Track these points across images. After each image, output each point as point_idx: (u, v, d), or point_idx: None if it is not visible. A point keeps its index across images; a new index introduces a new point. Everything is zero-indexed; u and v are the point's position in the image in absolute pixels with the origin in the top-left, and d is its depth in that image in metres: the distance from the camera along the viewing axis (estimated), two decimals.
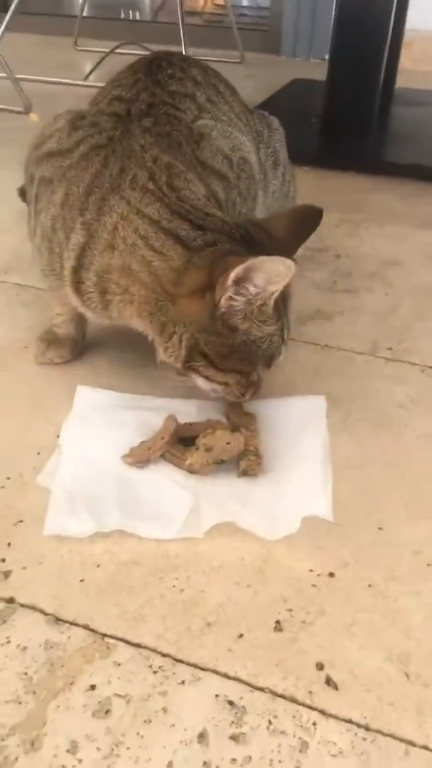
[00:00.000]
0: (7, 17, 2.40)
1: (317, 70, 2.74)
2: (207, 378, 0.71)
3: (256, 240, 0.70)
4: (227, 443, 0.69)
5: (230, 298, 0.65)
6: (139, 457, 0.70)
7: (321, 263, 1.16)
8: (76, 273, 0.74)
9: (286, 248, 0.68)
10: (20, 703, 0.50)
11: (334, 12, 1.69)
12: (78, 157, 0.77)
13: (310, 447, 0.71)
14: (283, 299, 0.70)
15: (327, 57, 2.82)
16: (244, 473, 0.69)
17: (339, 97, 1.71)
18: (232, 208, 0.80)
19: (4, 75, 2.10)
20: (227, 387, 0.71)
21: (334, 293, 1.06)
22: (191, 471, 0.69)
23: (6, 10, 3.23)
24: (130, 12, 4.36)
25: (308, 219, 0.72)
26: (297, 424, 0.75)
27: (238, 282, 0.64)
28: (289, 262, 0.62)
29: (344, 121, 1.67)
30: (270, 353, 0.70)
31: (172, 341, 0.70)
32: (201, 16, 3.85)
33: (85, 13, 3.02)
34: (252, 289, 0.64)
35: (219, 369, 0.69)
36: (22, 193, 1.29)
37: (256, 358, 0.69)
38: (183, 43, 2.18)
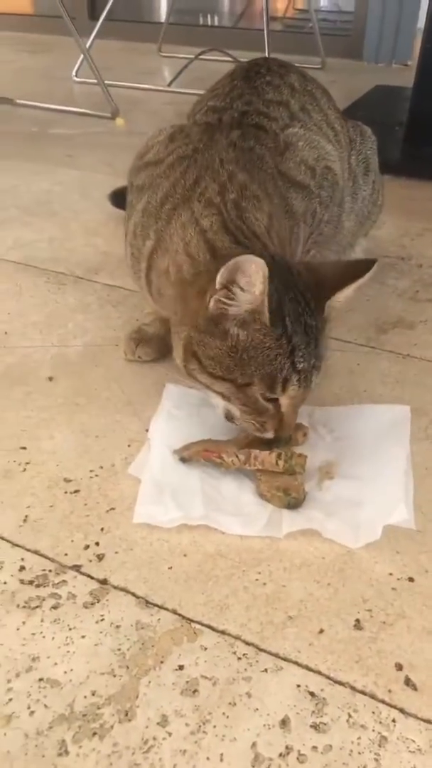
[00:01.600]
0: (98, 25, 2.50)
1: (399, 75, 2.72)
2: (205, 386, 0.69)
3: (291, 271, 0.68)
4: (300, 484, 0.69)
5: (219, 300, 0.64)
6: (189, 454, 0.73)
7: (403, 272, 1.16)
8: (147, 275, 0.78)
9: (327, 288, 0.68)
10: (114, 676, 0.54)
11: (425, 17, 1.68)
12: (165, 167, 0.81)
13: (393, 455, 0.72)
14: (298, 317, 0.65)
15: (409, 62, 2.81)
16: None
17: (425, 104, 1.69)
18: (311, 217, 0.82)
19: (94, 81, 2.18)
20: (235, 407, 0.69)
21: (417, 302, 1.07)
22: (260, 496, 0.70)
23: (94, 18, 3.36)
24: (209, 17, 4.43)
25: (358, 266, 0.70)
26: (380, 432, 0.76)
27: (227, 284, 0.63)
28: (258, 260, 0.59)
29: (429, 129, 1.65)
30: (271, 372, 0.65)
31: (175, 340, 0.72)
32: (282, 21, 3.87)
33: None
34: (238, 291, 0.63)
35: (210, 374, 0.67)
36: (113, 197, 1.36)
37: (249, 370, 0.65)
38: (267, 49, 2.21)
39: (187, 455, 0.73)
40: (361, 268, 0.68)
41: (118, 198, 1.33)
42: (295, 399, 0.68)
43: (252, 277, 0.61)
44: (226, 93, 0.85)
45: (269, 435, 0.69)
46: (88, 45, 2.33)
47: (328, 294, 0.67)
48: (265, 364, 0.65)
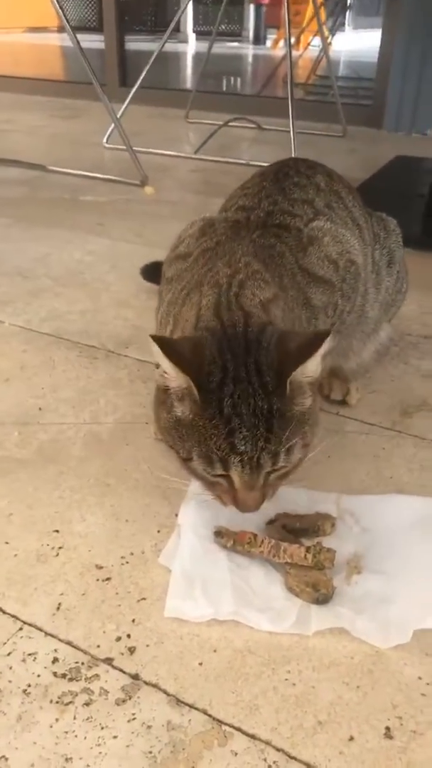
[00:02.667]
0: (131, 94, 2.62)
1: (419, 145, 2.81)
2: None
3: (253, 346, 0.68)
4: (329, 580, 0.70)
5: (161, 374, 0.68)
6: (224, 543, 0.74)
7: (426, 351, 1.18)
8: None
9: (290, 364, 0.66)
10: None
11: None
12: (192, 261, 0.85)
13: (423, 552, 0.73)
14: (246, 398, 0.65)
15: (429, 132, 2.89)
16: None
17: None
18: (332, 310, 0.85)
19: (124, 147, 2.28)
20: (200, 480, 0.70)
21: None
22: (289, 590, 0.71)
23: (125, 85, 3.53)
24: (232, 80, 4.60)
25: (313, 340, 0.66)
26: (409, 525, 0.77)
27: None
28: (159, 342, 0.63)
29: None
30: (206, 452, 0.65)
31: None
32: (303, 87, 4.02)
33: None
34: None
35: (167, 445, 0.71)
36: (144, 271, 1.41)
37: (188, 445, 0.67)
38: (291, 116, 2.30)
39: (222, 541, 0.74)
40: (315, 341, 0.65)
41: (150, 272, 1.38)
42: (249, 480, 0.67)
43: (158, 358, 0.65)
44: (255, 192, 0.90)
45: (232, 508, 0.70)
46: (120, 113, 2.44)
47: (289, 370, 0.65)
48: (201, 442, 0.66)
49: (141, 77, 2.65)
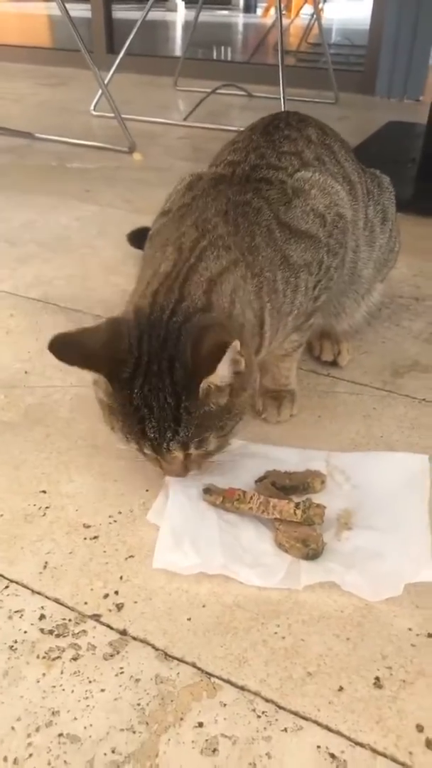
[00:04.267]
0: (117, 60, 2.56)
1: (411, 111, 2.76)
2: None
3: (171, 341, 0.66)
4: (318, 535, 0.69)
5: None
6: (213, 500, 0.74)
7: (418, 313, 1.17)
8: None
9: (202, 370, 0.65)
10: (134, 732, 0.54)
11: None
12: (169, 218, 0.83)
13: (413, 507, 0.72)
14: (156, 393, 0.65)
15: (421, 98, 2.85)
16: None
17: None
18: (317, 266, 0.82)
19: (112, 115, 2.23)
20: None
21: None
22: (279, 546, 0.70)
23: (112, 52, 3.45)
24: (223, 50, 4.52)
25: (215, 352, 0.63)
26: (398, 481, 0.76)
27: None
28: (54, 340, 0.65)
29: None
30: (122, 432, 0.69)
31: None
32: (295, 55, 3.95)
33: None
34: None
35: None
36: (131, 237, 1.38)
37: (110, 420, 0.70)
38: (281, 84, 2.25)
39: (210, 499, 0.74)
40: (217, 351, 0.62)
41: (137, 238, 1.35)
42: (165, 458, 0.69)
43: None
44: (244, 147, 0.87)
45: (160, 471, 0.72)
46: (107, 80, 2.38)
47: (198, 378, 0.64)
48: (118, 424, 0.68)
49: (127, 42, 2.59)
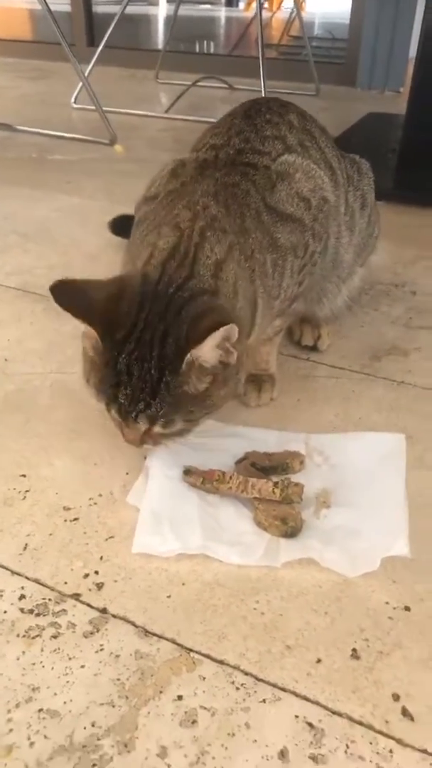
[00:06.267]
0: (97, 53, 2.54)
1: (392, 103, 2.78)
2: None
3: (170, 313, 0.67)
4: (297, 513, 0.70)
5: None
6: (193, 482, 0.74)
7: (396, 298, 1.18)
8: None
9: (190, 343, 0.66)
10: (114, 706, 0.54)
11: (417, 45, 1.72)
12: (157, 202, 0.83)
13: (390, 485, 0.73)
14: (141, 362, 0.65)
15: (401, 90, 2.87)
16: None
17: (417, 131, 1.73)
18: (303, 250, 0.83)
19: (93, 107, 2.22)
20: None
21: (410, 329, 1.08)
22: (258, 524, 0.70)
23: (93, 45, 3.43)
24: (205, 44, 4.51)
25: (208, 324, 0.65)
26: (375, 460, 0.77)
27: None
28: (55, 287, 0.66)
29: (423, 156, 1.69)
30: (96, 387, 0.69)
31: None
32: (277, 48, 3.95)
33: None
34: None
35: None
36: (112, 225, 1.38)
37: (89, 376, 0.70)
38: (262, 75, 2.25)
39: (190, 480, 0.74)
40: (212, 325, 0.63)
41: (118, 226, 1.35)
42: (128, 425, 0.69)
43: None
44: (226, 131, 0.88)
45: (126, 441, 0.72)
46: (87, 72, 2.37)
47: (186, 349, 0.64)
48: (95, 376, 0.69)
49: (107, 34, 2.58)
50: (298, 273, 0.84)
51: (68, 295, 0.67)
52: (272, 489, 0.71)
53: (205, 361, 0.66)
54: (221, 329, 0.63)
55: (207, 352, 0.65)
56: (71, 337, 1.07)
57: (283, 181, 0.83)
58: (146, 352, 0.65)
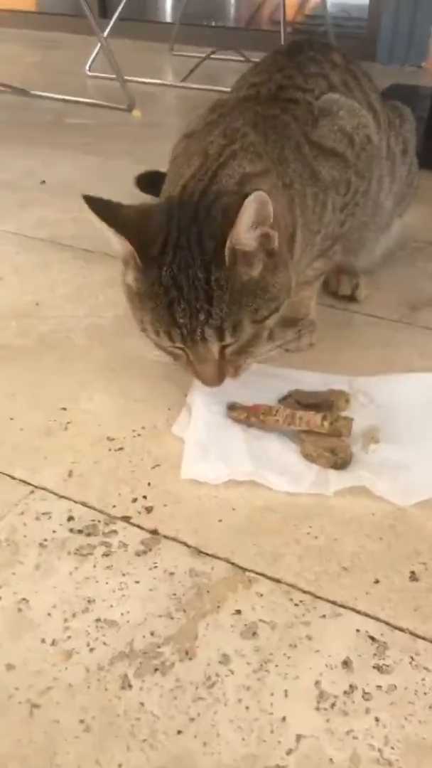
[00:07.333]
0: (112, 21, 2.52)
1: (413, 76, 2.75)
2: None
3: (201, 214, 0.65)
4: (347, 446, 0.69)
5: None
6: (238, 416, 0.73)
7: None
8: None
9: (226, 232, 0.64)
10: (172, 618, 0.54)
11: None
12: (195, 135, 0.81)
13: None
14: (186, 268, 0.63)
15: (423, 64, 2.84)
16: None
17: None
18: (345, 187, 0.82)
19: (108, 75, 2.20)
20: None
21: None
22: (305, 457, 0.70)
23: (104, 17, 3.38)
24: (217, 16, 4.44)
25: (236, 202, 0.63)
26: (424, 399, 0.76)
27: None
28: (93, 201, 0.65)
29: None
30: (152, 321, 0.65)
31: None
32: (291, 26, 3.91)
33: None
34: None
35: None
36: (140, 181, 1.36)
37: (139, 315, 0.67)
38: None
39: (235, 414, 0.73)
40: (239, 201, 0.61)
41: (145, 182, 1.33)
42: (198, 352, 0.65)
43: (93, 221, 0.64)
44: (267, 68, 0.86)
45: (198, 381, 0.69)
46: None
47: (224, 236, 0.62)
48: (148, 311, 0.65)
49: (120, 6, 2.55)
50: (341, 211, 0.83)
51: (102, 205, 0.65)
52: (321, 422, 0.71)
53: (245, 245, 0.63)
54: (251, 197, 0.60)
55: (243, 232, 0.62)
56: (101, 284, 1.06)
57: (326, 117, 0.81)
58: (187, 257, 0.63)
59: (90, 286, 1.05)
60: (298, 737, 0.46)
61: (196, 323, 0.63)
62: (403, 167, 0.97)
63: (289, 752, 0.45)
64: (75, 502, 0.65)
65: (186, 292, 0.63)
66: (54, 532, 0.62)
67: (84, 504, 0.65)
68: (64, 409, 0.78)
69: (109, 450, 0.71)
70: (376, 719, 0.47)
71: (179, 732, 0.46)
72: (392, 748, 0.45)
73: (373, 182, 0.88)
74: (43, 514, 0.63)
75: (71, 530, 0.62)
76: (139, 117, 2.09)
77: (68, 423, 0.76)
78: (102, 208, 0.65)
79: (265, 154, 0.74)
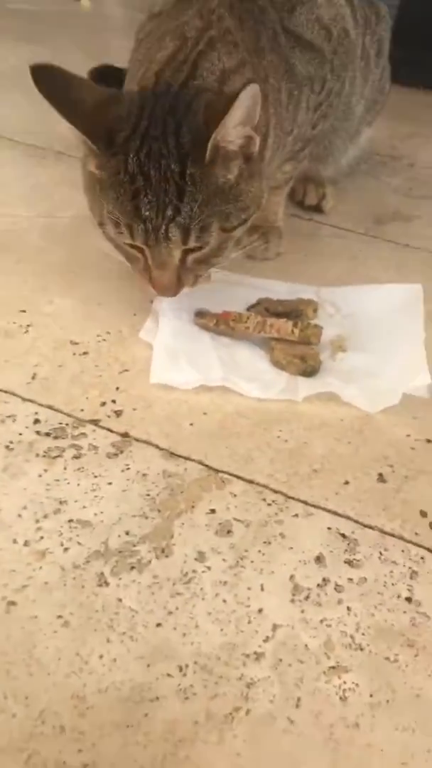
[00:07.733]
0: None
1: None
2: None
3: (181, 107, 0.61)
4: (316, 353, 0.69)
5: None
6: (206, 323, 0.72)
7: (396, 170, 1.15)
8: None
9: (211, 127, 0.59)
10: (146, 518, 0.54)
11: None
12: (164, 15, 0.75)
13: (407, 330, 0.72)
14: (158, 159, 0.58)
15: None
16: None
17: (412, 9, 1.64)
18: (319, 84, 0.78)
19: None
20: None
21: (411, 198, 1.06)
22: (275, 364, 0.69)
23: None
24: None
25: (228, 96, 0.59)
26: (390, 309, 0.76)
27: None
28: (38, 69, 0.59)
29: (417, 35, 1.61)
30: (114, 214, 0.59)
31: None
32: None
33: None
34: None
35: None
36: (94, 75, 1.26)
37: (98, 208, 0.62)
38: None
39: (203, 321, 0.71)
40: (234, 94, 0.56)
41: (102, 76, 1.23)
42: (159, 255, 0.61)
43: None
44: None
45: (151, 290, 0.64)
46: None
47: (210, 130, 0.57)
48: (109, 203, 0.59)
49: None
50: (314, 111, 0.79)
51: (53, 81, 0.58)
52: (291, 329, 0.70)
53: (230, 142, 0.59)
54: (247, 89, 0.55)
55: (232, 128, 0.58)
56: (56, 183, 0.99)
57: (304, 5, 0.76)
58: (160, 147, 0.57)
59: (44, 186, 0.99)
60: (275, 626, 0.47)
61: (162, 219, 0.58)
62: (376, 70, 0.93)
63: (266, 640, 0.46)
64: (41, 405, 0.63)
65: (154, 183, 0.58)
66: (20, 434, 0.60)
67: (50, 407, 0.63)
68: (24, 311, 0.74)
69: (74, 354, 0.69)
70: (348, 609, 0.49)
71: (158, 625, 0.47)
72: (363, 634, 0.47)
73: (346, 83, 0.84)
74: (8, 416, 0.61)
75: (38, 432, 0.60)
76: (88, 8, 1.92)
77: (29, 326, 0.72)
78: (52, 83, 0.58)
79: (241, 43, 0.68)
